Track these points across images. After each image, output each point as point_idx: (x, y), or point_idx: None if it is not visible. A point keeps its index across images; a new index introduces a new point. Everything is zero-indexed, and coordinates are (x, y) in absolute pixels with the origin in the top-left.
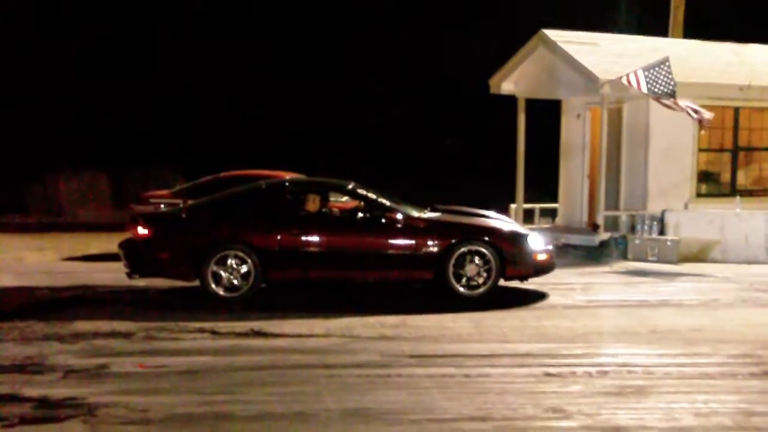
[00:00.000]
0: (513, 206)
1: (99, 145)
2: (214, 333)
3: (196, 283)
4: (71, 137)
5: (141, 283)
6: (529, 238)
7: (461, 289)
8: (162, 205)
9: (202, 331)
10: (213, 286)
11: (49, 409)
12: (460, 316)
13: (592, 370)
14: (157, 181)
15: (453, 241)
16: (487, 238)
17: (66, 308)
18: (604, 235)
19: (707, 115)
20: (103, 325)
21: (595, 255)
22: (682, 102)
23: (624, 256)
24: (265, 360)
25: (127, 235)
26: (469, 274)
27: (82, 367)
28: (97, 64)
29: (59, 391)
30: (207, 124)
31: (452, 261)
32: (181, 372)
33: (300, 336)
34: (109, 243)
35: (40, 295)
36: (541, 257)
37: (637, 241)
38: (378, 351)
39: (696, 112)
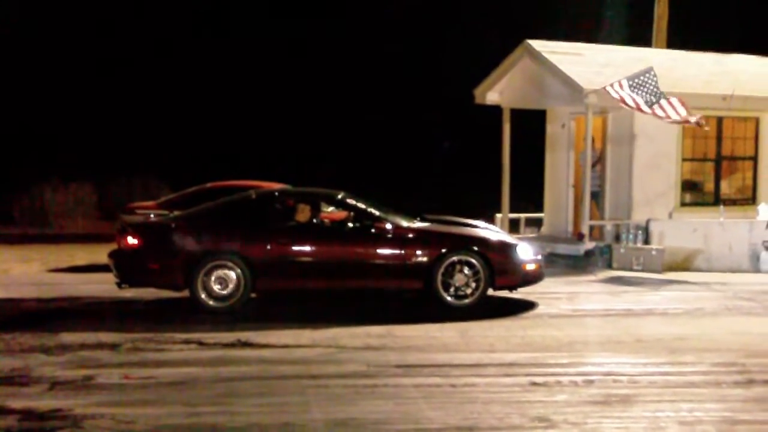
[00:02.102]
0: (499, 216)
1: (84, 156)
2: (201, 344)
3: (185, 293)
4: (57, 148)
5: (127, 294)
6: (518, 248)
7: (450, 299)
8: (151, 215)
9: (188, 342)
10: (203, 296)
11: (35, 421)
12: (446, 326)
13: (578, 379)
14: (143, 192)
15: (442, 251)
16: (476, 248)
17: (52, 320)
18: (589, 245)
19: (693, 119)
20: (90, 337)
21: (580, 264)
22: (671, 111)
23: (609, 265)
24: (252, 371)
25: (115, 245)
26: (457, 284)
27: (68, 379)
28: (82, 76)
29: (45, 403)
30: (192, 135)
31: (441, 271)
32: (167, 383)
33: (287, 346)
34: (96, 254)
35: (26, 307)
36: (530, 267)
37: (622, 251)
38: (364, 361)
39: (683, 116)
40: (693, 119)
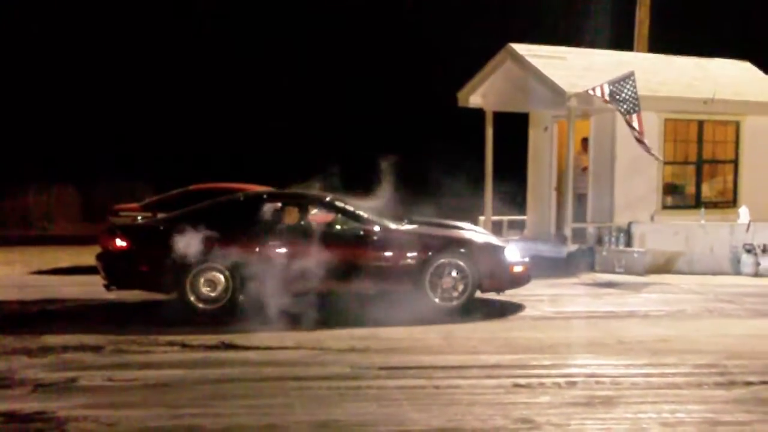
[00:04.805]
0: (482, 218)
1: (67, 158)
2: (185, 346)
3: (172, 295)
4: (39, 151)
5: (111, 296)
6: (505, 251)
7: (437, 301)
8: (138, 218)
9: (172, 344)
10: (192, 298)
11: (18, 423)
12: (430, 328)
13: (561, 380)
14: (125, 194)
15: (430, 253)
16: (463, 251)
17: (35, 322)
18: (571, 247)
19: (655, 153)
20: (73, 339)
21: (563, 267)
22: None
23: (591, 268)
24: (236, 373)
25: (99, 248)
26: (445, 286)
27: (51, 381)
28: (64, 77)
29: (28, 405)
30: (175, 136)
31: (429, 273)
32: (151, 385)
33: (270, 348)
34: (79, 256)
35: (8, 309)
36: (517, 269)
37: (604, 253)
38: (348, 363)
39: (641, 142)
40: (648, 146)
